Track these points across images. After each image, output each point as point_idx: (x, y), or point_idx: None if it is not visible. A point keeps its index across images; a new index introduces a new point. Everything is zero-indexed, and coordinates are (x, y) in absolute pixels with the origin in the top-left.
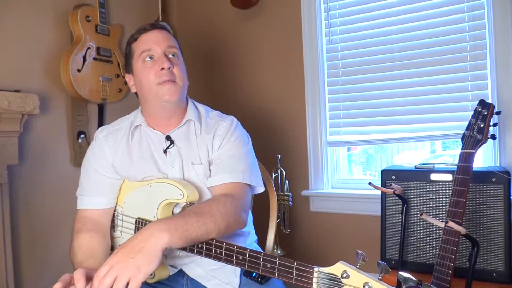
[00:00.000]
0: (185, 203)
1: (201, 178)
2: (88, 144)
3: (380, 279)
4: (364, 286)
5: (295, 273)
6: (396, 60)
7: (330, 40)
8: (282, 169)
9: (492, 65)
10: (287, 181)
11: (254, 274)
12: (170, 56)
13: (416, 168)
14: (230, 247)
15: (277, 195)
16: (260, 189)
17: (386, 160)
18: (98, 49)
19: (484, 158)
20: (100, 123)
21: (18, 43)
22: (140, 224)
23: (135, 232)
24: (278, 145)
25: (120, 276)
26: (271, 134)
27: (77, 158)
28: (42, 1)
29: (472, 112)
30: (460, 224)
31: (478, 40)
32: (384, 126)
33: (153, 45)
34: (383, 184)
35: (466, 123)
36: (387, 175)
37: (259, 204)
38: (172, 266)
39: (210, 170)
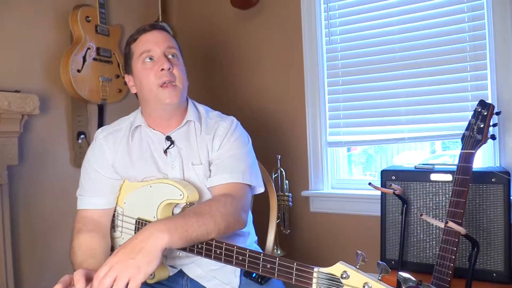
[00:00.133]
0: (185, 204)
1: (201, 178)
2: (88, 144)
3: (380, 280)
4: (363, 287)
5: (295, 273)
6: (396, 61)
7: (330, 40)
8: (282, 169)
9: (492, 66)
10: (287, 182)
11: (254, 275)
12: (170, 56)
13: (416, 168)
14: (230, 248)
15: (277, 196)
16: (260, 190)
17: (386, 160)
18: (98, 49)
19: (484, 159)
20: (100, 124)
21: (18, 43)
22: (140, 224)
23: (135, 233)
24: (278, 145)
25: (120, 277)
26: (271, 135)
27: (77, 159)
28: (42, 1)
29: (472, 113)
30: (460, 224)
31: (478, 40)
32: (384, 126)
33: (153, 46)
34: (383, 185)
35: (466, 123)
36: (387, 176)
37: (259, 205)
38: (172, 266)
39: (210, 170)
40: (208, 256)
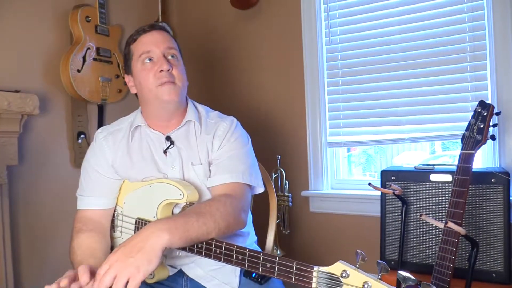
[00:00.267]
0: (185, 203)
1: (201, 178)
2: (88, 144)
3: (380, 279)
4: (363, 286)
5: (295, 272)
6: (396, 61)
7: (330, 41)
8: (282, 169)
9: (492, 66)
10: (287, 182)
11: (254, 275)
12: (169, 57)
13: (415, 168)
14: (230, 247)
15: (277, 196)
16: (260, 190)
17: (385, 160)
18: (97, 49)
19: (484, 159)
20: (100, 124)
21: (18, 43)
22: (140, 224)
23: (135, 232)
24: (278, 145)
25: (120, 275)
26: (271, 135)
27: (77, 159)
28: (42, 1)
29: (472, 113)
30: (459, 224)
31: (478, 41)
32: (384, 126)
33: (152, 46)
34: (383, 185)
35: (466, 123)
36: (386, 176)
37: (259, 205)
38: (171, 266)
39: (210, 170)
40: (208, 255)
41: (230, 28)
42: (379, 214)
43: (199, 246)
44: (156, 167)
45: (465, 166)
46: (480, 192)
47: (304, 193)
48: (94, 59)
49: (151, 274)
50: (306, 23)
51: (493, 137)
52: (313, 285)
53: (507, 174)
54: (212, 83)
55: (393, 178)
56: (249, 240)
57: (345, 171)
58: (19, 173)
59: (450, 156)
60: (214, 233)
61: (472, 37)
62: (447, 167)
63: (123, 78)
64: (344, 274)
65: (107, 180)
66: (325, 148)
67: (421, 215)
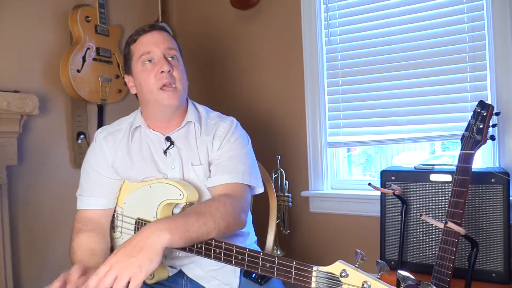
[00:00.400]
0: (185, 204)
1: (201, 178)
2: (88, 145)
3: (379, 278)
4: (363, 285)
5: (294, 272)
6: (396, 61)
7: (330, 41)
8: (282, 169)
9: (491, 66)
10: (286, 182)
11: (253, 275)
12: (170, 58)
13: (415, 168)
14: (229, 247)
15: (277, 196)
16: (260, 190)
17: (385, 160)
18: (97, 49)
19: (484, 159)
20: (100, 124)
21: (18, 43)
22: (140, 224)
23: (135, 233)
24: (277, 146)
25: (121, 276)
26: (271, 135)
27: (77, 159)
28: (42, 1)
29: (472, 113)
30: (459, 224)
31: (477, 41)
32: (384, 126)
33: (152, 47)
34: (383, 185)
35: (466, 124)
36: (386, 176)
37: (259, 205)
38: (171, 266)
39: (210, 170)
40: (207, 255)
41: (230, 28)
42: (379, 214)
43: (199, 246)
44: (156, 168)
45: (464, 166)
46: (480, 192)
47: (304, 193)
48: (94, 59)
49: (151, 275)
50: (306, 23)
51: (492, 137)
52: (313, 284)
53: (507, 174)
54: (212, 83)
55: (393, 178)
56: (249, 240)
57: (345, 171)
58: (18, 173)
59: (450, 156)
60: (214, 233)
61: (472, 37)
62: (447, 167)
63: (123, 78)
64: (343, 274)
65: (107, 180)
66: (325, 148)
67: (421, 215)
